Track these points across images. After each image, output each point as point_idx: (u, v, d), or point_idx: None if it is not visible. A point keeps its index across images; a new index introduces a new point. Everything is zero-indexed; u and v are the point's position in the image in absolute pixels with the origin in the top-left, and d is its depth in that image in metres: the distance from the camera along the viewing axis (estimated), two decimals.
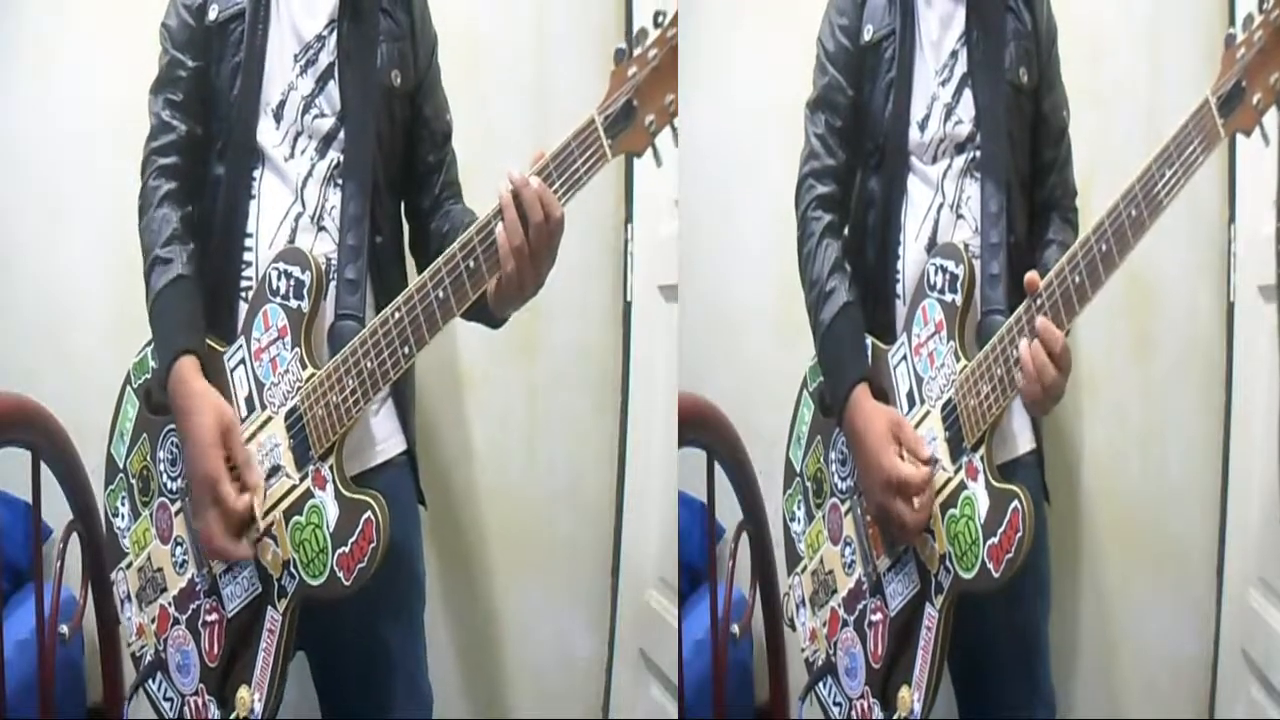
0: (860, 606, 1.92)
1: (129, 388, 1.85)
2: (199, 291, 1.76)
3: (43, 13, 2.31)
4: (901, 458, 1.81)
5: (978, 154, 1.85)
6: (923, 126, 1.87)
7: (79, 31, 2.31)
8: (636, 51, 1.59)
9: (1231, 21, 2.22)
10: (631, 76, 1.58)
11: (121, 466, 1.85)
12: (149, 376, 1.82)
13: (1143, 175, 1.61)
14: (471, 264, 1.62)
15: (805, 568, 2.03)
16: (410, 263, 1.91)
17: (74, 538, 2.09)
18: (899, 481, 1.80)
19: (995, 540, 1.73)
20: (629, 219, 2.34)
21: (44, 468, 2.05)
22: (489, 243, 1.61)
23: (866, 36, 1.91)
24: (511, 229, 1.60)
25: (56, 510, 2.10)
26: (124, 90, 2.17)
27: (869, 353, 1.89)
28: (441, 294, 1.63)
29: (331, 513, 1.67)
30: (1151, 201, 1.60)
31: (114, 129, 2.22)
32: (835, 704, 1.97)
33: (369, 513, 1.65)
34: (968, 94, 1.86)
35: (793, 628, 2.08)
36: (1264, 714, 2.12)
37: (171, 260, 1.75)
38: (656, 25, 1.58)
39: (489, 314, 1.72)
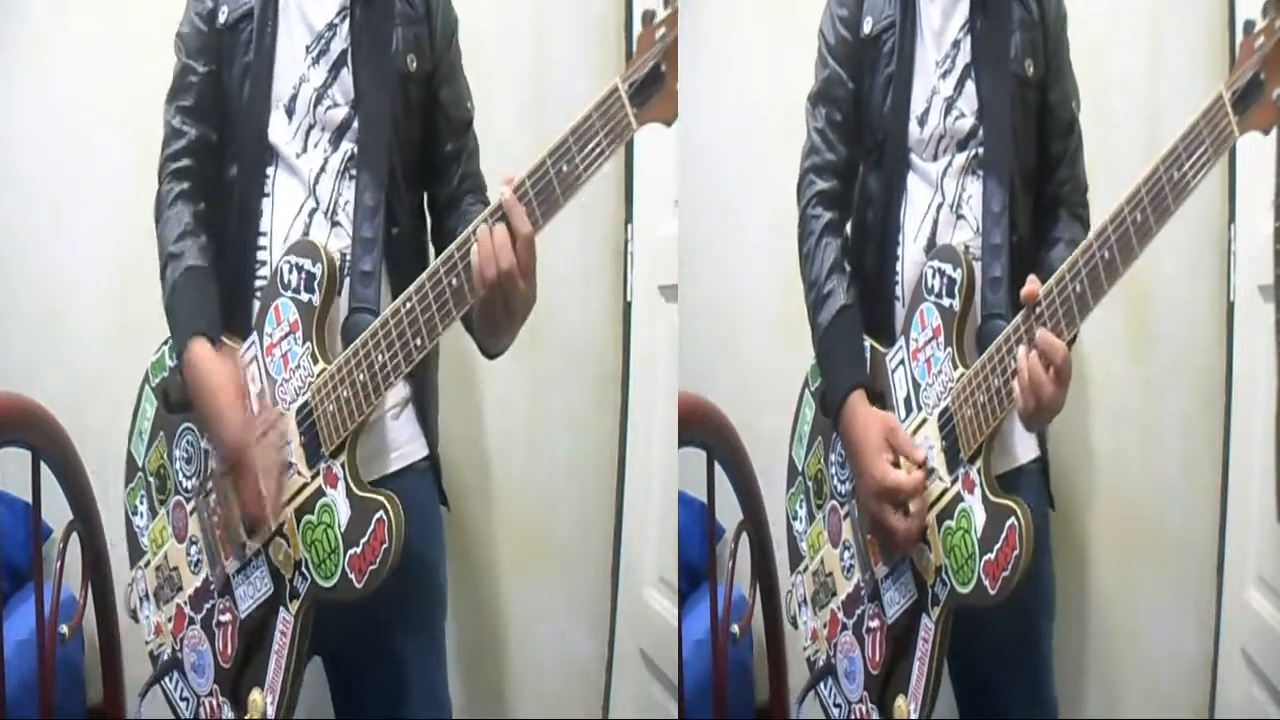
0: (859, 611, 1.92)
1: (147, 386, 1.85)
2: (212, 279, 1.76)
3: (43, 13, 2.31)
4: (896, 464, 1.80)
5: (980, 150, 1.82)
6: (922, 121, 1.84)
7: (79, 32, 2.31)
8: (666, 12, 1.52)
9: (1232, 16, 2.21)
10: (660, 39, 1.52)
11: (140, 465, 1.84)
12: (166, 376, 1.82)
13: (1149, 178, 1.51)
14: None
15: (807, 567, 2.03)
16: (433, 256, 1.89)
17: (74, 538, 2.09)
18: (890, 489, 1.79)
19: (992, 557, 1.70)
20: (629, 219, 2.33)
21: (44, 468, 2.05)
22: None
23: (866, 29, 1.89)
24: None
25: (56, 510, 2.10)
26: (124, 90, 2.19)
27: (867, 356, 1.88)
28: (455, 281, 1.60)
29: (343, 512, 1.65)
30: (1158, 206, 1.51)
31: (114, 129, 2.23)
32: (835, 705, 1.97)
33: (381, 512, 1.62)
34: (970, 86, 1.82)
35: (795, 626, 2.08)
36: (1264, 714, 2.12)
37: (183, 254, 1.75)
38: None
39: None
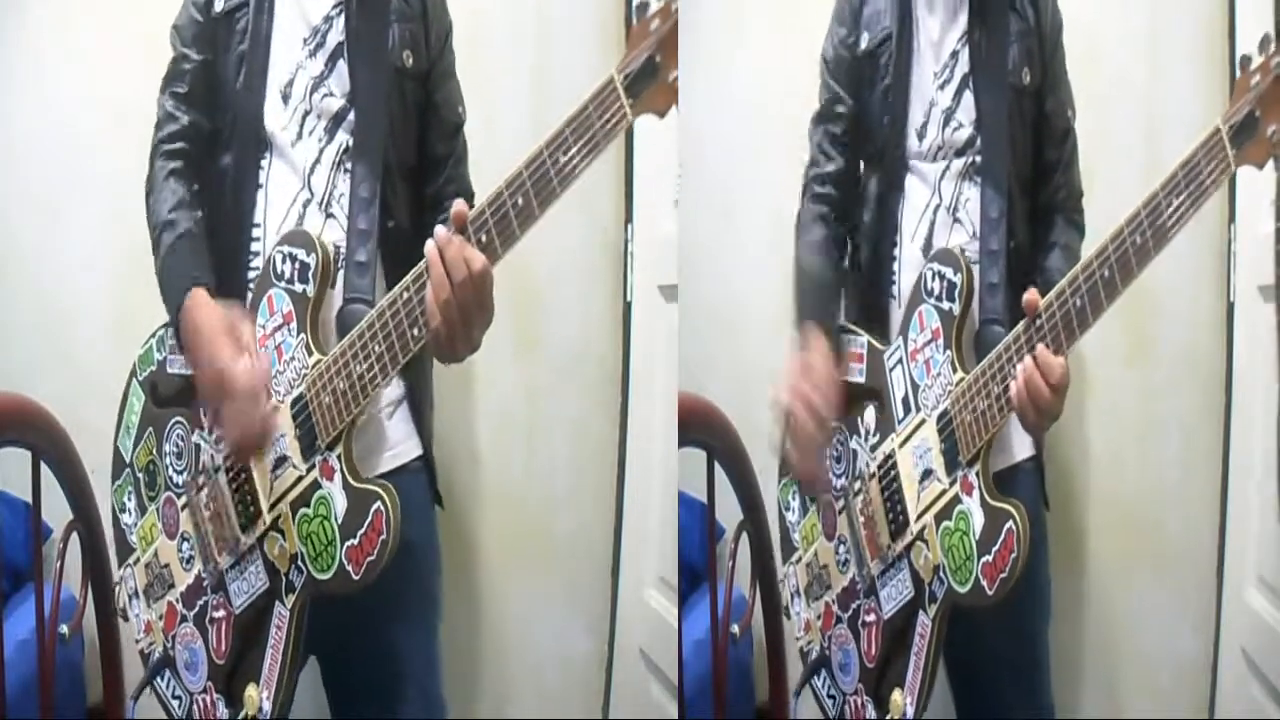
0: (854, 606, 1.93)
1: (134, 380, 1.84)
2: (206, 245, 1.75)
3: (43, 13, 2.31)
4: None
5: (978, 158, 1.83)
6: (921, 134, 1.86)
7: (79, 31, 2.31)
8: (659, 5, 1.52)
9: (1231, 18, 2.21)
10: (654, 30, 1.51)
11: (128, 461, 1.84)
12: (154, 369, 1.81)
13: (1149, 202, 1.55)
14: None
15: (800, 559, 2.03)
16: None
17: (74, 538, 2.09)
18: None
19: (989, 558, 1.72)
20: (629, 219, 2.33)
21: (44, 468, 2.05)
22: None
23: (864, 44, 1.90)
24: (438, 284, 1.56)
25: (56, 510, 2.10)
26: (124, 90, 2.18)
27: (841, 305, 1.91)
28: None
29: (339, 504, 1.64)
30: (1158, 230, 1.54)
31: (114, 129, 2.22)
32: (830, 697, 1.98)
33: (378, 503, 1.61)
34: (968, 96, 1.84)
35: (788, 616, 2.09)
36: (1264, 714, 2.12)
37: (176, 221, 1.74)
38: None
39: None
